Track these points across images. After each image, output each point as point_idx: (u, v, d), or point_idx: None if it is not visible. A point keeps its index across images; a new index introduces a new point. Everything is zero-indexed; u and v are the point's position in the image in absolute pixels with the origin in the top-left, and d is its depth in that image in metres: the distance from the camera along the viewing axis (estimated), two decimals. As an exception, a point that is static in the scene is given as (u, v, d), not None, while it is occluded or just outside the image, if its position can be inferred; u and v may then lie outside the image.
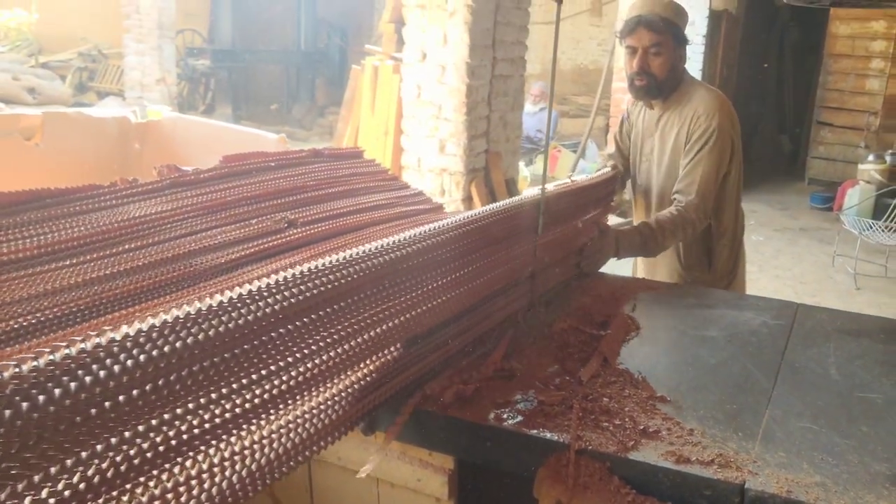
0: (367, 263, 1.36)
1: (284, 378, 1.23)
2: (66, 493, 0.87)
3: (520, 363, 1.66)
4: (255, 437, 1.20)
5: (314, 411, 1.30)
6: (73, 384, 0.89)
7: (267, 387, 1.20)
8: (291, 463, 1.24)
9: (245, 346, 1.16)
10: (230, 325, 1.13)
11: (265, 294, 1.17)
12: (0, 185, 2.03)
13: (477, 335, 1.69)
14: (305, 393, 1.28)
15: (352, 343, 1.35)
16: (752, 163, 11.64)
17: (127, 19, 10.47)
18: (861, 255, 6.54)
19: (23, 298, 1.65)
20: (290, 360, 1.23)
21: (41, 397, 0.85)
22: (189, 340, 1.07)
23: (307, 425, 1.28)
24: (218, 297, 1.15)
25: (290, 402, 1.26)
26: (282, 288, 1.20)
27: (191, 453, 1.09)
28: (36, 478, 0.85)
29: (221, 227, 2.17)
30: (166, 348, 1.04)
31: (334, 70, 13.52)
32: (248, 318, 1.15)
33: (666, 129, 2.62)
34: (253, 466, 1.17)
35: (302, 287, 1.23)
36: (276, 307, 1.19)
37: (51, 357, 0.88)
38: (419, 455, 1.51)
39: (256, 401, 1.18)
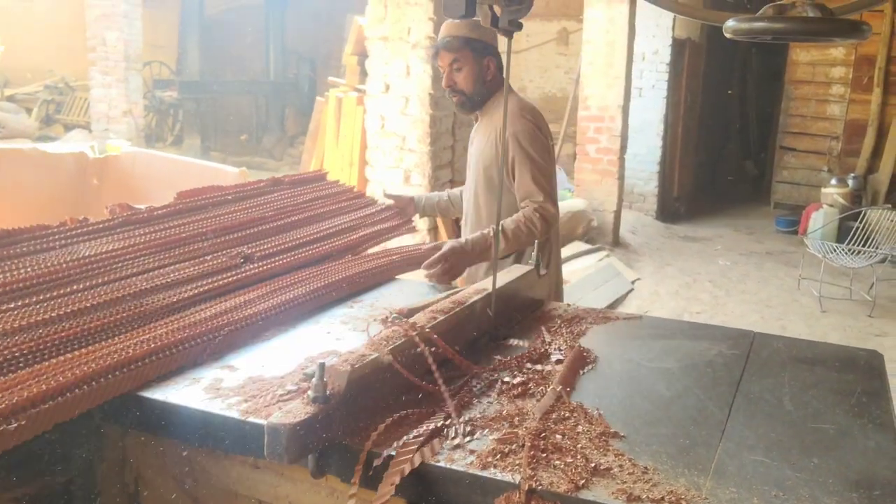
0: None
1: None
2: None
3: (475, 402, 1.64)
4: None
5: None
6: None
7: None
8: None
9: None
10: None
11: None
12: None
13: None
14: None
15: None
16: (718, 187, 11.79)
17: (93, 52, 10.42)
18: (826, 278, 6.62)
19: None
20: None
21: None
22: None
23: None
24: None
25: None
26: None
27: None
28: None
29: (174, 264, 2.18)
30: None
31: (304, 100, 13.54)
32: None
33: (478, 137, 2.84)
34: None
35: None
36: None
37: None
38: (369, 497, 1.48)
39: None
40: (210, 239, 2.35)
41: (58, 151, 3.30)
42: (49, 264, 1.92)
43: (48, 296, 1.83)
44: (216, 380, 1.70)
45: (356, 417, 1.51)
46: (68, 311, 1.80)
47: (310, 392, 1.44)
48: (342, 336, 2.01)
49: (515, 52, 13.36)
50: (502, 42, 2.12)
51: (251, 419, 1.52)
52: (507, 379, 1.75)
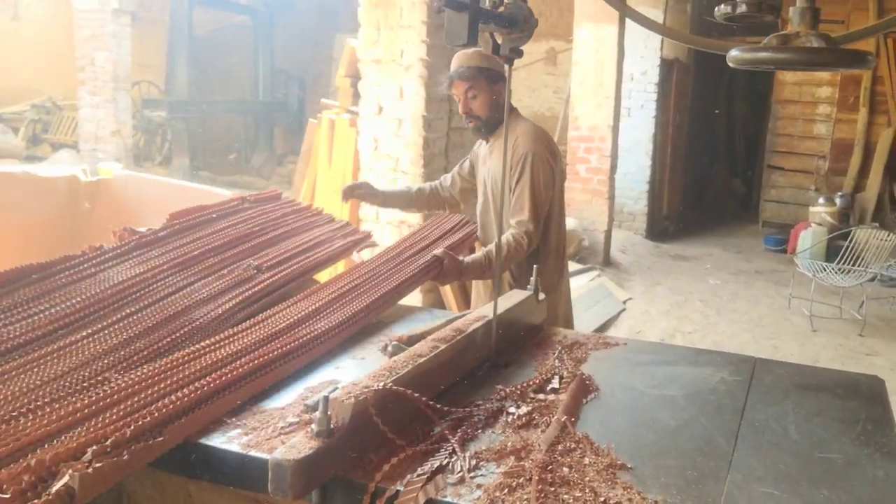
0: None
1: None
2: None
3: (480, 434, 1.62)
4: None
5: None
6: None
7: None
8: None
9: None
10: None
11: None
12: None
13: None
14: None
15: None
16: (706, 206, 11.84)
17: (81, 72, 10.39)
18: (816, 297, 6.64)
19: (59, 374, 1.70)
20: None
21: None
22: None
23: None
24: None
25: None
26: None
27: None
28: None
29: (201, 280, 2.34)
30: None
31: (293, 119, 13.53)
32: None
33: (490, 160, 2.98)
34: None
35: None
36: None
37: None
38: (375, 533, 1.46)
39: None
40: (219, 255, 2.50)
41: (49, 175, 3.27)
42: (92, 293, 2.07)
43: (106, 323, 1.98)
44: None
45: (361, 451, 1.48)
46: (133, 333, 1.95)
47: (313, 426, 1.42)
48: (341, 364, 1.99)
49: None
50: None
51: (253, 453, 1.49)
52: (511, 409, 1.73)
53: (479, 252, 2.79)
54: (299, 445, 1.38)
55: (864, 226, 7.91)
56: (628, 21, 7.68)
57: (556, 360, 2.07)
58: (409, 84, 4.28)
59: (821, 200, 9.05)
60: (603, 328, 5.49)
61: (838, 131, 9.94)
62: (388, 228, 4.44)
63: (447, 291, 4.42)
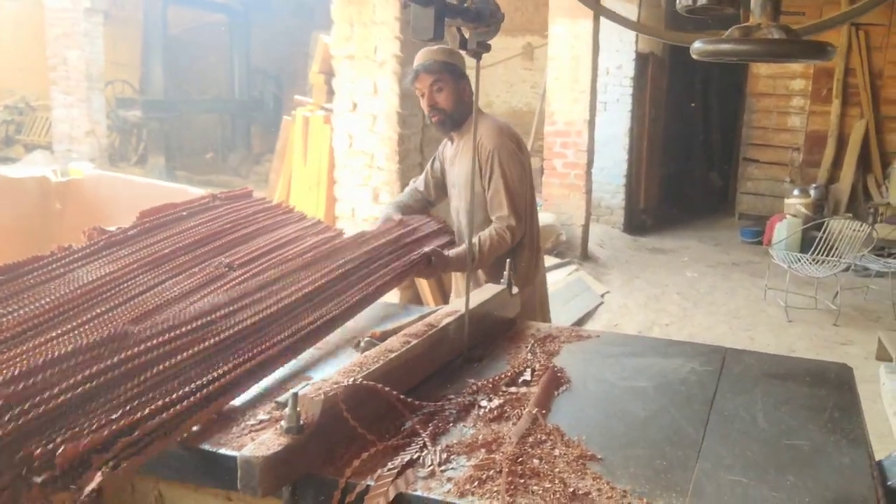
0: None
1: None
2: None
3: (451, 428, 1.62)
4: None
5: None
6: None
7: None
8: None
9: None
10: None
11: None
12: None
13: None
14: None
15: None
16: (683, 199, 11.92)
17: (54, 71, 10.28)
18: (791, 288, 6.70)
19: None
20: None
21: None
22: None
23: None
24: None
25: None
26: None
27: None
28: None
29: (172, 279, 2.28)
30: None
31: (269, 118, 13.46)
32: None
33: (457, 158, 3.00)
34: None
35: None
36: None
37: None
38: (346, 528, 1.46)
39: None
40: (189, 253, 2.45)
41: (19, 176, 3.24)
42: (61, 293, 2.01)
43: (76, 323, 1.91)
44: (186, 410, 1.66)
45: (331, 446, 1.48)
46: (104, 333, 1.85)
47: (283, 423, 1.41)
48: (313, 360, 1.99)
49: (481, 67, 13.41)
50: (473, 61, 2.11)
51: (223, 451, 1.49)
52: (483, 403, 1.73)
53: (462, 246, 2.82)
54: (268, 442, 1.38)
55: (837, 217, 7.99)
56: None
57: (529, 354, 2.08)
58: (383, 80, 4.27)
59: (795, 192, 9.14)
60: (581, 322, 5.51)
61: (812, 123, 10.04)
62: (364, 225, 4.42)
63: (424, 287, 4.43)
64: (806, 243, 7.69)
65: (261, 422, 1.60)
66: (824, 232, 6.86)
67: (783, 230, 8.33)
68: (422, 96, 2.94)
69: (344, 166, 4.46)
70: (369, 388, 1.57)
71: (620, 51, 9.00)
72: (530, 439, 1.57)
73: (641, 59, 9.35)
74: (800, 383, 1.96)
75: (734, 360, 2.12)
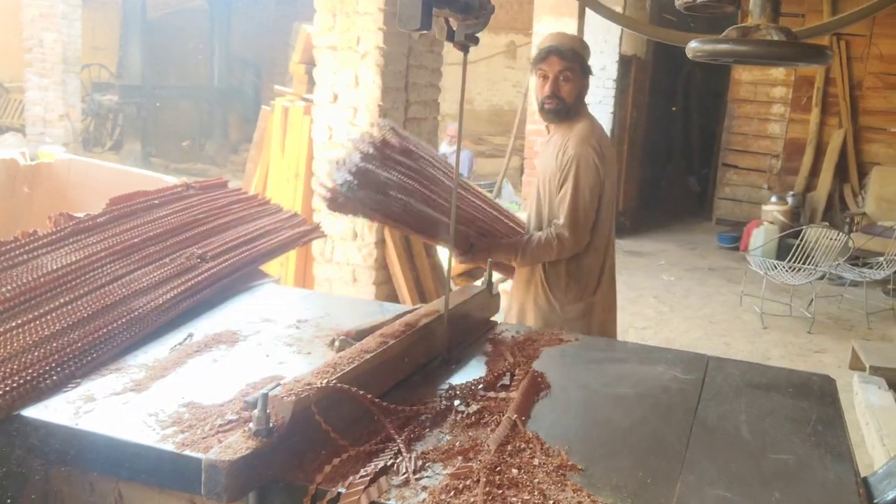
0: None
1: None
2: None
3: (427, 434, 1.57)
4: None
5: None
6: None
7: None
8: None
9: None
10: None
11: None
12: None
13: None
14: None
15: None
16: (662, 203, 11.94)
17: (29, 53, 10.08)
18: (767, 295, 6.72)
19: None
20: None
21: None
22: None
23: None
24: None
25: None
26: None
27: None
28: None
29: (140, 268, 2.24)
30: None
31: (248, 107, 13.33)
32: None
33: (546, 151, 2.92)
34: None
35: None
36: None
37: None
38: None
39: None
40: (161, 242, 2.40)
41: (-14, 158, 3.13)
42: (24, 281, 1.95)
43: (39, 312, 1.87)
44: (154, 407, 1.59)
45: (301, 451, 1.42)
46: (67, 324, 1.86)
47: (251, 425, 1.35)
48: (285, 359, 1.92)
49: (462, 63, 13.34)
50: (457, 55, 2.05)
51: (188, 452, 1.42)
52: (461, 408, 1.68)
53: (515, 238, 2.83)
54: (235, 445, 1.31)
55: (814, 225, 8.02)
56: (588, 15, 7.69)
57: (509, 357, 2.02)
58: (365, 72, 4.19)
59: (773, 199, 9.18)
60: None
61: (791, 131, 10.09)
62: (341, 219, 4.35)
63: (401, 284, 4.37)
64: (782, 250, 7.72)
65: (229, 422, 1.53)
66: (801, 240, 6.88)
67: (760, 237, 8.35)
68: (543, 79, 2.80)
69: (323, 159, 4.37)
70: (343, 391, 1.50)
71: (604, 52, 8.97)
72: (509, 447, 1.51)
73: (625, 62, 9.34)
74: (783, 394, 1.93)
75: (716, 368, 2.08)
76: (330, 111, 4.32)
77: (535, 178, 3.00)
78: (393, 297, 4.44)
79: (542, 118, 2.95)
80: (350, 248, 4.39)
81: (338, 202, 2.48)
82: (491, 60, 13.36)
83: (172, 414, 1.57)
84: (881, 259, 7.10)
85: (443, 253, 5.94)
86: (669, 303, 7.08)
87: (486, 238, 2.73)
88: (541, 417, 1.69)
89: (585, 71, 2.83)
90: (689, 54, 1.55)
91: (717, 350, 5.86)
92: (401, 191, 2.53)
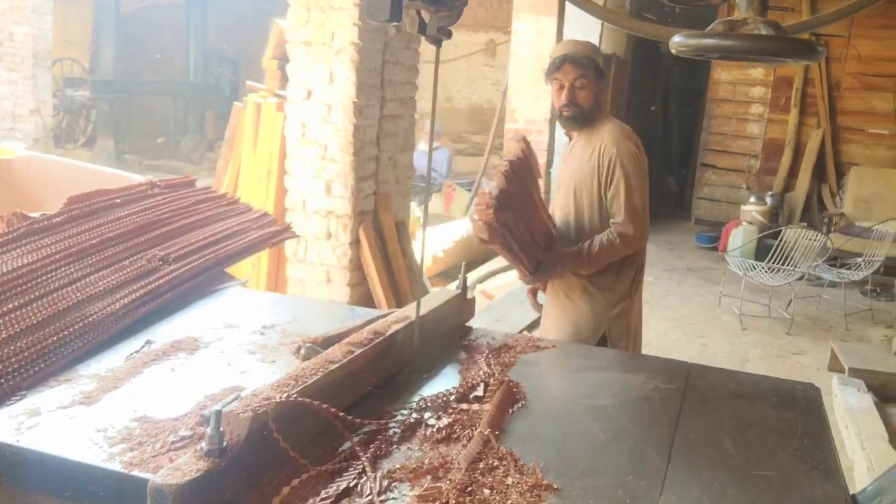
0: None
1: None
2: None
3: (394, 451, 1.48)
4: None
5: None
6: None
7: None
8: None
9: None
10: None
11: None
12: None
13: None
14: None
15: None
16: (642, 202, 11.89)
17: (-1, 46, 9.88)
18: (746, 296, 6.68)
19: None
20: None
21: None
22: None
23: None
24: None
25: None
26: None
27: None
28: None
29: (98, 271, 2.13)
30: None
31: (225, 103, 13.13)
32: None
33: (573, 155, 2.90)
34: None
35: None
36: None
37: None
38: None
39: None
40: (121, 244, 2.31)
41: (-59, 152, 3.00)
42: None
43: None
44: (103, 422, 1.49)
45: (258, 471, 1.32)
46: (16, 331, 1.76)
47: (203, 444, 1.25)
48: (248, 368, 1.82)
49: (442, 61, 13.25)
50: (432, 50, 1.96)
51: (135, 473, 1.32)
52: (431, 421, 1.59)
53: (572, 248, 2.77)
54: (185, 467, 1.21)
55: (792, 225, 8.01)
56: (567, 13, 7.63)
57: (483, 365, 1.93)
58: (340, 68, 4.09)
59: (752, 199, 9.15)
60: (534, 325, 5.40)
61: (770, 131, 10.08)
62: (315, 219, 4.25)
63: (376, 285, 4.27)
64: (761, 251, 7.69)
65: (183, 439, 1.43)
66: (780, 240, 6.85)
67: (739, 237, 8.32)
68: (559, 88, 2.81)
69: (296, 156, 4.27)
70: (304, 405, 1.41)
71: (583, 50, 8.89)
72: (481, 465, 1.43)
73: (604, 60, 9.28)
74: (767, 404, 1.86)
75: (698, 377, 2.01)
76: (303, 108, 4.22)
77: (562, 186, 2.97)
78: (368, 298, 4.35)
79: (561, 126, 3.00)
80: (324, 248, 4.29)
81: (497, 235, 2.43)
82: (470, 59, 13.27)
83: (122, 429, 1.47)
84: (859, 260, 7.08)
85: (417, 252, 5.86)
86: (648, 303, 7.00)
87: (550, 252, 2.72)
88: (516, 431, 1.61)
89: (600, 75, 2.84)
90: (674, 49, 1.47)
91: (696, 351, 5.82)
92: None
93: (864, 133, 9.51)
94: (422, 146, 9.93)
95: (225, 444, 1.26)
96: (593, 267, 2.77)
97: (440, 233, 7.04)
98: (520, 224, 2.58)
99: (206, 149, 13.15)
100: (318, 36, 4.11)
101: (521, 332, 5.29)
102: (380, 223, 4.44)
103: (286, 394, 1.39)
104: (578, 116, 2.82)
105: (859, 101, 9.49)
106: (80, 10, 12.30)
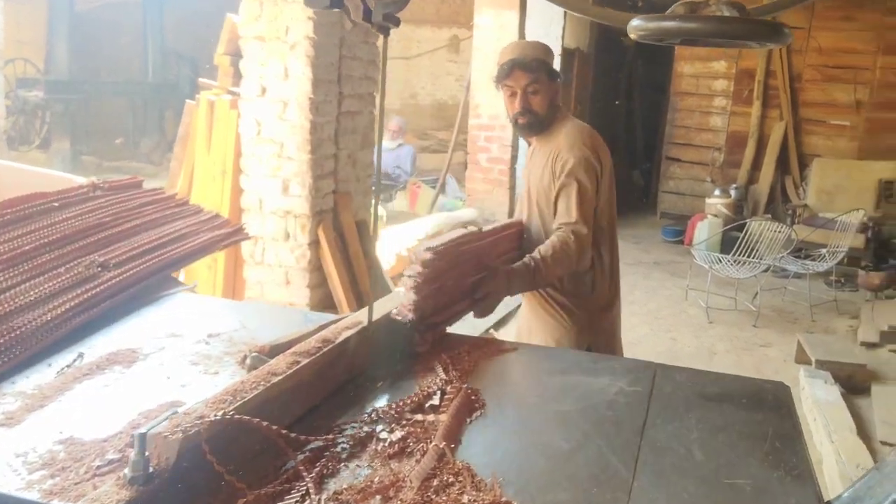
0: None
1: None
2: None
3: (342, 468, 1.37)
4: None
5: None
6: None
7: None
8: None
9: None
10: None
11: None
12: None
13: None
14: None
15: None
16: (608, 197, 11.89)
17: (-53, 46, 9.58)
18: (712, 289, 6.67)
19: None
20: None
21: None
22: None
23: None
24: None
25: None
26: None
27: None
28: None
29: (29, 280, 1.99)
30: None
31: (184, 102, 12.87)
32: None
33: (534, 162, 2.74)
34: None
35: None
36: None
37: None
38: None
39: None
40: (56, 250, 2.16)
41: None
42: None
43: None
44: (25, 445, 1.37)
45: (190, 497, 1.21)
46: None
47: (126, 471, 1.14)
48: (189, 381, 1.70)
49: (406, 58, 13.17)
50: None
51: (54, 503, 1.20)
52: (383, 435, 1.49)
53: (521, 262, 2.48)
54: (105, 497, 1.11)
55: (757, 217, 8.02)
56: (529, 6, 7.56)
57: (441, 372, 1.83)
58: (295, 64, 3.97)
59: (716, 192, 9.18)
60: (501, 323, 5.32)
61: (733, 124, 10.12)
62: (272, 219, 4.13)
63: (337, 287, 4.16)
64: (726, 244, 7.69)
65: (110, 462, 1.32)
66: (745, 233, 6.85)
67: (704, 230, 8.33)
68: (511, 95, 2.67)
69: (251, 155, 4.14)
70: (242, 423, 1.30)
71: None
72: (435, 482, 1.33)
73: (567, 55, 9.24)
74: (736, 406, 1.78)
75: (665, 378, 1.92)
76: (258, 105, 4.10)
77: (526, 194, 2.80)
78: (329, 301, 4.23)
79: (518, 134, 2.82)
80: (282, 249, 4.17)
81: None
82: (434, 54, 13.17)
83: (45, 453, 1.35)
84: (823, 251, 7.11)
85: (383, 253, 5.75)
86: (615, 298, 6.98)
87: (498, 273, 2.36)
88: (473, 443, 1.51)
89: (553, 76, 2.68)
90: (632, 34, 1.39)
91: (664, 346, 5.78)
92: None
93: (826, 125, 9.58)
94: (385, 143, 9.83)
95: (151, 469, 1.15)
96: (549, 279, 2.56)
97: (405, 231, 6.94)
98: (455, 294, 2.23)
99: (166, 149, 12.88)
100: (271, 30, 3.99)
101: (487, 330, 5.20)
102: (340, 223, 4.33)
103: (222, 411, 1.28)
104: (535, 123, 2.68)
105: (821, 92, 9.55)
106: (33, 10, 11.96)
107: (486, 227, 2.57)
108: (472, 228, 2.34)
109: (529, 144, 2.84)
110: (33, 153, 11.55)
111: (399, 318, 1.92)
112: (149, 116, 13.30)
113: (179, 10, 13.16)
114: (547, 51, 2.69)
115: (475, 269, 2.28)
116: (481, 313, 2.35)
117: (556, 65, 8.65)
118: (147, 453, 1.15)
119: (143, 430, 1.16)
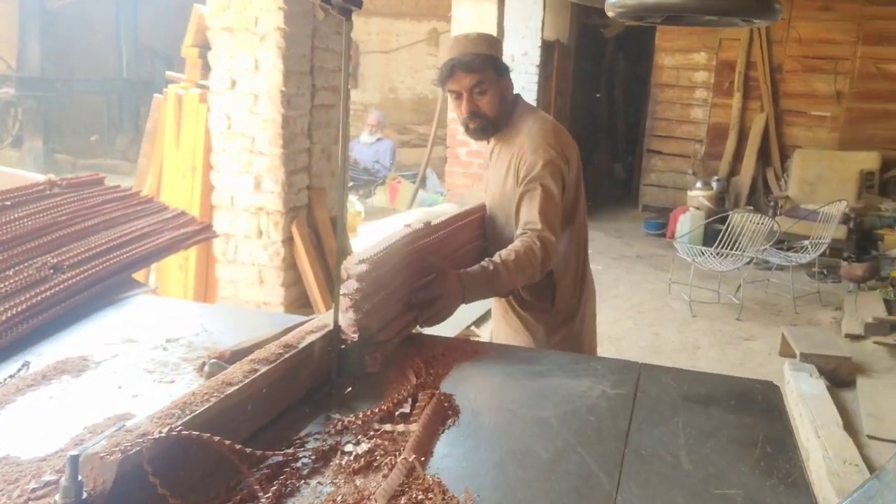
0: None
1: None
2: None
3: (303, 485, 1.27)
4: None
5: None
6: None
7: None
8: None
9: None
10: None
11: None
12: None
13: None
14: None
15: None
16: (588, 191, 11.82)
17: (-87, 43, 9.34)
18: (695, 282, 6.61)
19: None
20: None
21: None
22: None
23: None
24: None
25: None
26: None
27: None
28: None
29: None
30: None
31: (159, 99, 12.69)
32: None
33: (497, 162, 2.53)
34: None
35: None
36: None
37: None
38: None
39: None
40: (4, 251, 2.04)
41: None
42: None
43: None
44: (-54, 469, 1.25)
45: (131, 523, 1.10)
46: None
47: (56, 497, 1.03)
48: (142, 391, 1.59)
49: (385, 52, 13.04)
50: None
51: (-20, 533, 1.09)
52: (348, 448, 1.38)
53: (475, 266, 2.19)
54: (31, 528, 0.99)
55: (739, 209, 7.97)
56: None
57: (412, 377, 1.73)
58: (265, 55, 3.84)
59: (698, 184, 9.13)
60: (481, 321, 5.22)
61: (714, 116, 10.07)
62: (244, 216, 4.00)
63: (312, 285, 4.04)
64: (709, 236, 7.65)
65: (46, 485, 1.20)
66: (727, 225, 6.79)
67: (686, 223, 8.27)
68: (457, 98, 2.41)
69: (221, 150, 4.01)
70: (191, 439, 1.19)
71: (526, 37, 8.74)
72: (403, 499, 1.23)
73: (547, 47, 9.13)
74: (724, 409, 1.69)
75: (649, 379, 1.83)
76: (228, 98, 3.96)
77: (487, 196, 2.62)
78: (304, 299, 4.11)
79: (471, 138, 2.58)
80: (255, 247, 4.04)
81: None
82: (413, 48, 13.04)
83: (-24, 475, 1.23)
84: (806, 242, 7.07)
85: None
86: (599, 293, 6.85)
87: (448, 275, 2.08)
88: (445, 454, 1.41)
89: (502, 71, 2.42)
90: (611, 12, 1.29)
91: (647, 341, 5.71)
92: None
93: (807, 115, 9.55)
94: (363, 137, 9.70)
95: (85, 495, 1.04)
96: (511, 281, 2.25)
97: (384, 227, 6.83)
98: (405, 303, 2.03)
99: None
100: (240, 21, 3.85)
101: (468, 327, 5.11)
102: (314, 219, 4.20)
103: (168, 427, 1.17)
104: (487, 126, 2.44)
105: (801, 83, 9.52)
106: (3, 7, 11.71)
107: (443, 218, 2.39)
108: (417, 225, 2.15)
109: (489, 143, 2.60)
110: (6, 151, 11.34)
111: (344, 340, 1.73)
112: (124, 113, 13.09)
113: (153, 6, 12.93)
114: (492, 42, 2.41)
115: (425, 272, 2.06)
116: (429, 321, 2.04)
117: (535, 57, 8.59)
118: (81, 477, 1.04)
119: (75, 451, 1.05)
